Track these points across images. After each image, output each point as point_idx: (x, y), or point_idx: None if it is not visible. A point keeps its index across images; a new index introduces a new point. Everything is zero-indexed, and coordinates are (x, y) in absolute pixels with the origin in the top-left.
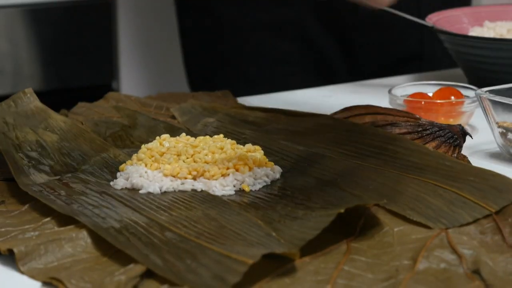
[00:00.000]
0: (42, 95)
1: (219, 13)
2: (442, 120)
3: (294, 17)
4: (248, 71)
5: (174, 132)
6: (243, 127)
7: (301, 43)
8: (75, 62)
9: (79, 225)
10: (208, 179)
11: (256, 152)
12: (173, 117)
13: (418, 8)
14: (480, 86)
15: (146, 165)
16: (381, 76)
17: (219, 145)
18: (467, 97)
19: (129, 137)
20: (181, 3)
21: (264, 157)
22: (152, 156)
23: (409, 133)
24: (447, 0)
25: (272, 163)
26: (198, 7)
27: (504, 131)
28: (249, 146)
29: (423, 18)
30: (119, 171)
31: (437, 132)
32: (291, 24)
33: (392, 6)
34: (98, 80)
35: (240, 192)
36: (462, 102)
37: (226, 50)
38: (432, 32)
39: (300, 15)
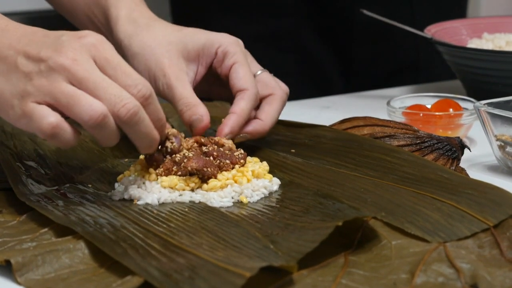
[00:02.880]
0: None
1: (215, 24)
2: (440, 132)
3: (290, 29)
4: None
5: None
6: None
7: (297, 54)
8: None
9: (77, 236)
10: (206, 190)
11: (255, 164)
12: (173, 127)
13: (413, 19)
14: (478, 98)
15: (144, 176)
16: (378, 87)
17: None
18: (466, 109)
19: (127, 148)
20: (177, 14)
21: (263, 168)
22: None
23: (408, 145)
24: (442, 10)
25: (271, 175)
26: (194, 19)
27: (503, 144)
28: (248, 158)
29: (418, 28)
30: (117, 181)
31: (436, 145)
32: (287, 35)
33: (388, 17)
34: None
35: (238, 203)
36: (460, 115)
37: None
38: (430, 43)
39: (296, 27)
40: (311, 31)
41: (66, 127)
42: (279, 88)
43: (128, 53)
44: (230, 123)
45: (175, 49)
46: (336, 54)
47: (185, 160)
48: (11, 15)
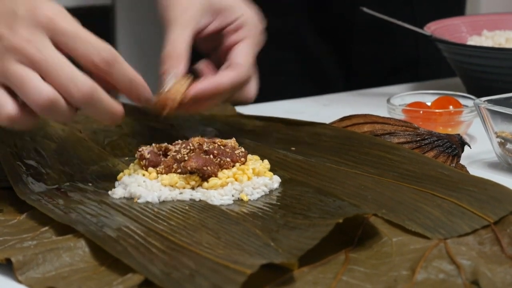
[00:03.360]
0: None
1: None
2: (440, 130)
3: (290, 27)
4: None
5: (172, 141)
6: (242, 136)
7: (297, 53)
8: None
9: (77, 234)
10: (207, 188)
11: (255, 161)
12: (172, 125)
13: (413, 16)
14: (478, 95)
15: (144, 174)
16: (378, 84)
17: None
18: (466, 106)
19: (127, 146)
20: None
21: (264, 166)
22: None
23: (408, 142)
24: (442, 8)
25: (271, 173)
26: None
27: (503, 141)
28: (248, 156)
29: (418, 25)
30: (117, 180)
31: (436, 142)
32: (287, 34)
33: (388, 15)
34: None
35: (238, 201)
36: (460, 112)
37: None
38: (430, 40)
39: (296, 25)
40: (311, 29)
41: (23, 116)
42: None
43: None
44: (201, 86)
45: None
46: (336, 53)
47: (185, 159)
48: None
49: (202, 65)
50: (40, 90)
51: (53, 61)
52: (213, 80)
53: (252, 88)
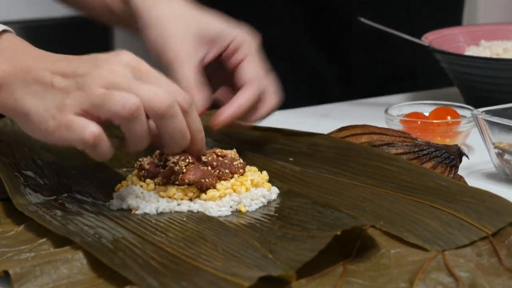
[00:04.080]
0: None
1: None
2: (438, 140)
3: (287, 37)
4: None
5: None
6: (240, 147)
7: (293, 62)
8: None
9: (75, 246)
10: (205, 200)
11: (254, 173)
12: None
13: (411, 26)
14: (476, 105)
15: (142, 186)
16: (375, 94)
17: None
18: (464, 117)
19: (125, 157)
20: None
21: (262, 177)
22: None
23: (406, 153)
24: (439, 17)
25: (269, 184)
26: None
27: (501, 151)
28: (247, 167)
29: (416, 36)
30: (115, 191)
31: (434, 153)
32: (283, 43)
33: (385, 25)
34: None
35: (236, 213)
36: (458, 122)
37: None
38: (427, 50)
39: (292, 35)
40: (308, 39)
41: (105, 138)
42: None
43: (143, 20)
44: (227, 111)
45: (191, 29)
46: (333, 62)
47: (183, 171)
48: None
49: (220, 94)
50: (127, 97)
51: (136, 83)
52: (233, 103)
53: (272, 97)
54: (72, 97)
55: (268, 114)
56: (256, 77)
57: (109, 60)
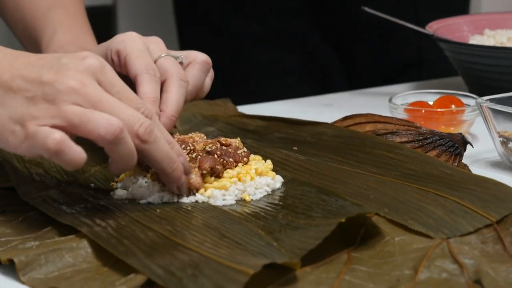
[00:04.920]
0: None
1: (218, 23)
2: (442, 129)
3: (293, 28)
4: (248, 82)
5: None
6: (244, 136)
7: (299, 53)
8: None
9: (80, 234)
10: (216, 188)
11: (258, 162)
12: (175, 126)
13: (417, 16)
14: (480, 94)
15: (146, 176)
16: (381, 84)
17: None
18: (468, 105)
19: None
20: (180, 13)
21: (266, 166)
22: None
23: (410, 141)
24: (445, 7)
25: (274, 173)
26: (197, 17)
27: (505, 140)
28: (251, 155)
29: (422, 25)
30: (119, 181)
31: (438, 141)
32: (289, 34)
33: (391, 14)
34: None
35: (241, 201)
36: (462, 111)
37: (226, 60)
38: (432, 40)
39: (298, 26)
40: (314, 30)
41: (71, 144)
42: (174, 70)
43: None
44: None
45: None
46: (339, 53)
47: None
48: None
49: None
50: (111, 120)
51: (115, 101)
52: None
53: (174, 75)
54: (41, 109)
55: (176, 95)
56: (141, 67)
57: (76, 66)
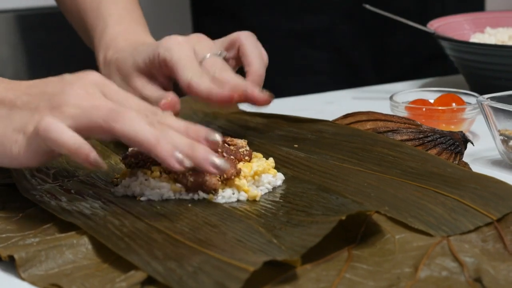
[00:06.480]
0: None
1: (249, 20)
2: (443, 127)
3: (325, 26)
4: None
5: None
6: (245, 134)
7: (331, 53)
8: (75, 67)
9: (80, 231)
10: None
11: (259, 159)
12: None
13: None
14: (481, 92)
15: (146, 173)
16: (410, 78)
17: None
18: (469, 103)
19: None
20: (201, 9)
21: (268, 164)
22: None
23: (411, 139)
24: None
25: (275, 170)
26: (222, 14)
27: (506, 138)
28: (253, 153)
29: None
30: (120, 178)
31: (439, 139)
32: (321, 33)
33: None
34: None
35: (241, 199)
36: (463, 109)
37: None
38: (432, 37)
39: (331, 24)
40: (347, 29)
41: (57, 122)
42: (215, 72)
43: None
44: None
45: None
46: (372, 53)
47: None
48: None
49: None
50: (138, 120)
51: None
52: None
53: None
54: (45, 114)
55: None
56: (186, 73)
57: (78, 79)
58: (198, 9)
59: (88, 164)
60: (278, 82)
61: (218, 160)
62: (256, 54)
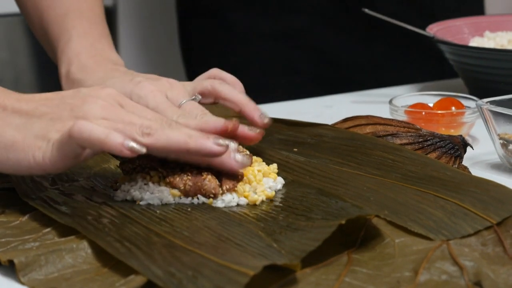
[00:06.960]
0: None
1: (227, 20)
2: (443, 131)
3: (304, 26)
4: (257, 79)
5: None
6: None
7: (309, 53)
8: None
9: (80, 235)
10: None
11: (260, 164)
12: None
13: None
14: (481, 96)
15: (146, 177)
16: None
17: None
18: (468, 107)
19: None
20: (185, 10)
21: (269, 168)
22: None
23: (410, 143)
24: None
25: (275, 174)
26: (205, 14)
27: (505, 142)
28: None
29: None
30: (119, 182)
31: (438, 143)
32: (300, 33)
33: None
34: None
35: (241, 203)
36: (463, 113)
37: (233, 58)
38: (431, 41)
39: (310, 24)
40: (326, 29)
41: (89, 124)
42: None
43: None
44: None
45: None
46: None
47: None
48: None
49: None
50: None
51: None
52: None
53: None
54: (68, 124)
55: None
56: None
57: (95, 92)
58: (183, 11)
59: (127, 152)
60: (260, 82)
61: (239, 156)
62: (237, 94)
